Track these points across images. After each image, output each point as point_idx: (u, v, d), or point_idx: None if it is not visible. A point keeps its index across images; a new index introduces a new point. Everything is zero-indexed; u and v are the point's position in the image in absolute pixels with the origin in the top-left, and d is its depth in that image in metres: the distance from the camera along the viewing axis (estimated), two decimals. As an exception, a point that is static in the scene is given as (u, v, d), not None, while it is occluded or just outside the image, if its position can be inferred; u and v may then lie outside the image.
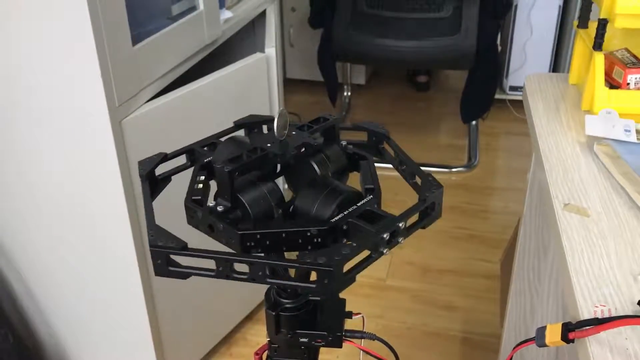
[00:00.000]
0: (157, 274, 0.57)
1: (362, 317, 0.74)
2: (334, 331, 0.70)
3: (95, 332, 1.45)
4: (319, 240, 0.56)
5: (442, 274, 1.96)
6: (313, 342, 0.70)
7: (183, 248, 0.55)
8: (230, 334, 1.70)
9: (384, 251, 0.55)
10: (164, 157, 0.69)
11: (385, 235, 0.55)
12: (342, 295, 0.74)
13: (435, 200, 0.62)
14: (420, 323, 1.77)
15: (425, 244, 2.07)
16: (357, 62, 2.91)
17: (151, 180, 0.67)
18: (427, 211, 0.61)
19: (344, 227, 0.57)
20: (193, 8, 1.31)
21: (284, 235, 0.57)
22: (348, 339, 0.72)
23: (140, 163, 0.67)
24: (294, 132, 0.66)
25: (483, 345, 1.69)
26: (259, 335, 1.72)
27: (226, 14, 1.42)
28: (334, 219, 0.58)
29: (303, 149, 0.64)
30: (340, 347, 0.71)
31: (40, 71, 1.10)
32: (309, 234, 0.56)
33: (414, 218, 0.60)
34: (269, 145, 0.63)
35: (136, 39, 1.13)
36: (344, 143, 0.70)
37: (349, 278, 0.53)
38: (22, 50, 1.09)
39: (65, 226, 1.29)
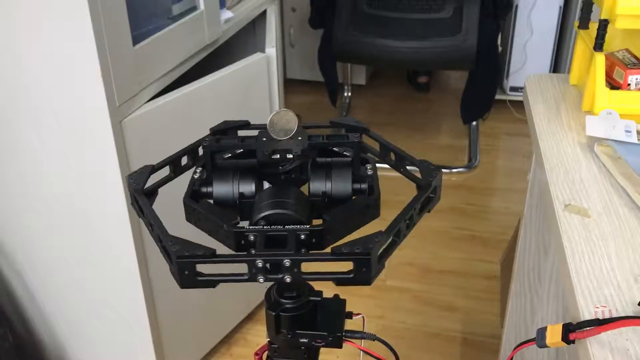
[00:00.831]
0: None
1: (363, 317, 0.74)
2: (334, 331, 0.70)
3: (95, 332, 1.45)
4: (227, 238, 0.57)
5: (443, 274, 1.96)
6: (313, 343, 0.70)
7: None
8: (230, 334, 1.70)
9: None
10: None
11: (258, 262, 0.55)
12: (342, 295, 0.74)
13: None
14: (420, 324, 1.77)
15: (426, 245, 2.07)
16: (357, 63, 2.91)
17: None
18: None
19: (250, 237, 0.57)
20: (193, 8, 1.31)
21: (207, 220, 0.59)
22: (348, 339, 0.72)
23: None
24: (300, 138, 0.65)
25: (483, 345, 1.69)
26: (259, 335, 1.72)
27: (227, 14, 1.42)
28: (244, 227, 0.58)
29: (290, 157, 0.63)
30: (341, 347, 0.71)
31: (41, 71, 1.10)
32: (222, 228, 0.57)
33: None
34: (264, 140, 0.64)
35: (137, 39, 1.13)
36: (370, 171, 0.66)
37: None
38: (23, 50, 1.09)
39: (65, 226, 1.29)
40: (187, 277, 0.55)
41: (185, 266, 0.54)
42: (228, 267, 0.54)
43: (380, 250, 0.56)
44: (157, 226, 0.58)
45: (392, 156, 0.71)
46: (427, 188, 0.63)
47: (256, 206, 0.61)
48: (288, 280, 0.55)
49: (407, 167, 0.69)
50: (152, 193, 0.65)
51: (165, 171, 0.70)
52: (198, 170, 0.66)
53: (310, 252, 0.56)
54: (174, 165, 0.70)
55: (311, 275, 0.56)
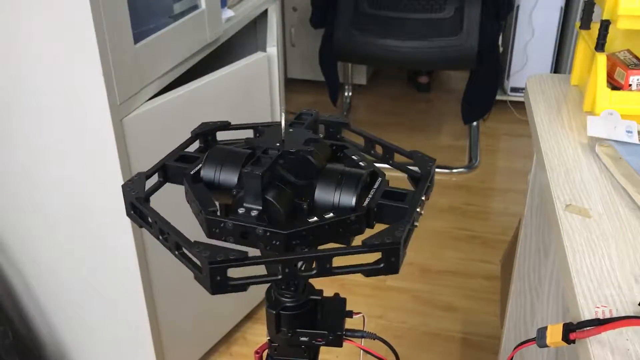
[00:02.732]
0: (217, 292, 0.54)
1: (363, 316, 0.74)
2: (334, 330, 0.70)
3: (95, 331, 1.45)
4: (358, 226, 0.58)
5: (443, 274, 1.96)
6: (313, 341, 0.70)
7: (245, 257, 0.54)
8: (230, 333, 1.70)
9: (416, 224, 0.59)
10: (147, 175, 0.67)
11: (419, 209, 0.58)
12: (341, 295, 0.74)
13: (433, 172, 0.66)
14: (420, 323, 1.77)
15: (426, 245, 2.07)
16: (358, 62, 2.91)
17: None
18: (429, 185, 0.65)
19: (375, 209, 0.59)
20: (195, 7, 1.31)
21: (326, 227, 0.57)
22: (348, 338, 0.72)
23: (127, 186, 0.63)
24: (291, 130, 0.66)
25: (483, 346, 1.69)
26: (258, 334, 1.72)
27: (228, 13, 1.42)
28: (365, 204, 0.59)
29: (309, 145, 0.63)
30: (341, 346, 0.71)
31: (42, 69, 1.10)
32: (349, 221, 0.58)
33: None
34: (277, 144, 0.63)
35: (138, 38, 1.13)
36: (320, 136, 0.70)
37: (404, 253, 0.57)
38: (24, 49, 1.09)
39: (66, 224, 1.29)
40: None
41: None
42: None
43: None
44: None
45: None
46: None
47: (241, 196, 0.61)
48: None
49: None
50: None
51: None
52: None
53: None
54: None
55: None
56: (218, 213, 0.60)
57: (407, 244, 0.58)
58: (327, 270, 0.55)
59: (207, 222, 0.58)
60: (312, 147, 0.63)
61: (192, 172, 0.65)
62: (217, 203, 0.62)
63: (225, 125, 0.74)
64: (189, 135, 0.74)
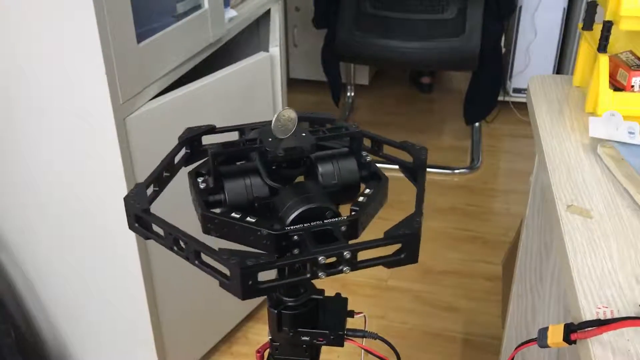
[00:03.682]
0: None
1: (364, 316, 0.74)
2: (335, 330, 0.70)
3: (97, 329, 1.46)
4: (267, 243, 0.57)
5: (444, 275, 1.96)
6: (315, 341, 0.71)
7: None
8: (231, 333, 1.70)
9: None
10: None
11: (321, 259, 0.56)
12: (343, 294, 0.75)
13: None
14: (421, 324, 1.77)
15: (427, 245, 2.07)
16: (360, 63, 2.91)
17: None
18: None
19: (294, 237, 0.58)
20: (198, 6, 1.31)
21: (236, 227, 0.58)
22: (350, 338, 0.72)
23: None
24: (303, 134, 0.66)
25: (484, 346, 1.69)
26: (260, 334, 1.72)
27: (231, 13, 1.43)
28: (287, 227, 0.58)
29: (294, 152, 0.63)
30: (342, 346, 0.71)
31: (45, 68, 1.10)
32: (259, 233, 0.57)
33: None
34: (269, 140, 0.64)
35: (141, 37, 1.14)
36: (367, 157, 0.69)
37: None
38: (27, 48, 1.09)
39: (68, 223, 1.29)
40: (252, 286, 0.54)
41: (249, 276, 0.54)
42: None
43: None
44: (194, 242, 0.56)
45: (369, 143, 0.73)
46: (425, 166, 0.66)
47: (280, 207, 0.61)
48: (347, 271, 0.56)
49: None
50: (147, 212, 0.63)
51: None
52: (200, 180, 0.65)
53: (362, 241, 0.58)
54: (158, 180, 0.67)
55: (364, 263, 0.57)
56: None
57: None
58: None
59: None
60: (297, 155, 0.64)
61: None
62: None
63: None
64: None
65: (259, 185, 0.63)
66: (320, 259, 0.55)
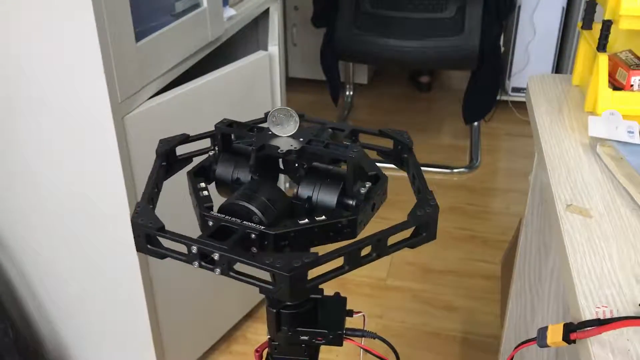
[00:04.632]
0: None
1: (363, 315, 0.74)
2: (334, 329, 0.70)
3: (95, 329, 1.45)
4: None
5: (443, 274, 1.96)
6: (314, 340, 0.70)
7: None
8: (230, 332, 1.70)
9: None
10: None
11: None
12: (342, 294, 0.74)
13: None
14: (420, 323, 1.77)
15: (426, 245, 2.06)
16: (359, 62, 2.91)
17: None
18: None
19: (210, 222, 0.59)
20: (196, 5, 1.31)
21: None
22: (349, 337, 0.72)
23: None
24: (301, 139, 0.65)
25: (483, 345, 1.69)
26: (258, 333, 1.72)
27: (229, 12, 1.42)
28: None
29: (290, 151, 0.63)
30: (341, 345, 0.71)
31: (44, 67, 1.10)
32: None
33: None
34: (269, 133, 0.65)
35: (139, 36, 1.13)
36: (362, 189, 0.66)
37: None
38: (26, 46, 1.09)
39: (67, 222, 1.29)
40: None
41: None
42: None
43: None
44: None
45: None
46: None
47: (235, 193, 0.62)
48: (217, 273, 0.55)
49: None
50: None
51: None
52: (211, 153, 0.69)
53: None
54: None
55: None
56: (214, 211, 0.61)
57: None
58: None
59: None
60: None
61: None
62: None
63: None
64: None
65: (245, 172, 0.65)
66: (193, 247, 0.54)
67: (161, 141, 0.72)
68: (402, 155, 0.72)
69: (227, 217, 0.58)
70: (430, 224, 0.60)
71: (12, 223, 1.35)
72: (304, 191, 0.62)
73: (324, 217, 0.59)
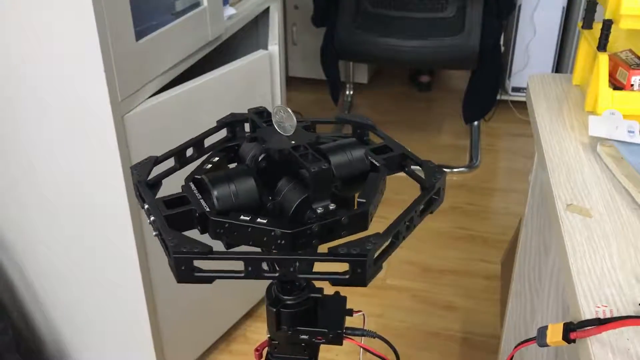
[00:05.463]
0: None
1: (363, 315, 0.74)
2: (334, 328, 0.70)
3: (95, 327, 1.45)
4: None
5: (442, 274, 1.96)
6: (313, 339, 0.70)
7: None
8: (229, 331, 1.70)
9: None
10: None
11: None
12: (341, 293, 0.74)
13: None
14: (419, 323, 1.77)
15: (426, 244, 2.07)
16: (360, 61, 2.91)
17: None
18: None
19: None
20: (197, 4, 1.31)
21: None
22: (348, 336, 0.72)
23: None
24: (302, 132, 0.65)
25: (482, 345, 1.69)
26: (258, 332, 1.72)
27: (230, 11, 1.42)
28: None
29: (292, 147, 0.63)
30: (341, 344, 0.71)
31: (44, 65, 1.10)
32: (272, 233, 0.55)
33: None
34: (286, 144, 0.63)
35: (140, 35, 1.13)
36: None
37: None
38: (26, 46, 1.09)
39: (67, 221, 1.29)
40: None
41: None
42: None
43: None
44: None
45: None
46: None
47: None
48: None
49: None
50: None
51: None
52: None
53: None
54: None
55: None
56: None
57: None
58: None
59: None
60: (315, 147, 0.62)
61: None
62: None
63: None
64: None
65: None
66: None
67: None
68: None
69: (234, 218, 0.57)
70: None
71: (12, 223, 1.35)
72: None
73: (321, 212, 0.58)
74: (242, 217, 0.57)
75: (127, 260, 1.27)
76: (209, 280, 0.55)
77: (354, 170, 0.63)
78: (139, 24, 1.13)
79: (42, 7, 1.04)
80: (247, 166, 0.64)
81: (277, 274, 0.55)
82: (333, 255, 0.54)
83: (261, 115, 0.70)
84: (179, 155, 0.70)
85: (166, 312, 1.40)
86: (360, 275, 0.54)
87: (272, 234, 0.55)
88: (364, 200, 0.58)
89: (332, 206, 0.58)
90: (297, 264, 0.55)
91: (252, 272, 0.55)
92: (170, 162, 0.70)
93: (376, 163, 0.65)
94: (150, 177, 0.65)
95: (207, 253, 0.54)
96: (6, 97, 1.17)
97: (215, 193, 0.58)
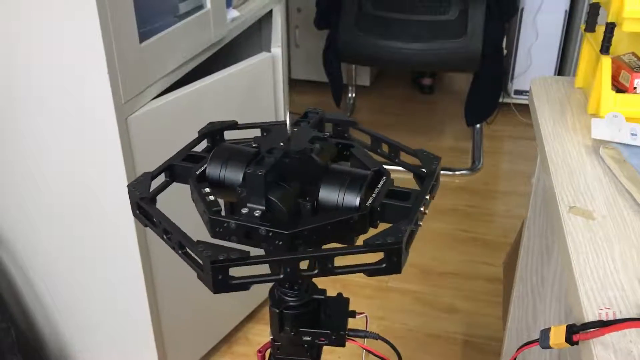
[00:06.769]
0: (219, 290, 0.54)
1: (366, 316, 0.74)
2: (337, 330, 0.70)
3: (97, 329, 1.46)
4: (361, 226, 0.58)
5: (444, 276, 1.95)
6: (316, 341, 0.70)
7: (247, 257, 0.54)
8: (231, 333, 1.70)
9: (420, 224, 0.60)
10: (152, 176, 0.67)
11: (423, 208, 0.59)
12: (344, 294, 0.75)
13: (438, 171, 0.66)
14: (421, 325, 1.77)
15: (428, 247, 2.07)
16: (362, 64, 2.91)
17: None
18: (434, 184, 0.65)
19: (378, 208, 0.59)
20: (200, 7, 1.31)
21: (329, 227, 0.57)
22: (351, 338, 0.72)
23: (132, 186, 0.63)
24: (296, 129, 0.67)
25: (484, 348, 1.69)
26: (260, 334, 1.72)
27: (233, 13, 1.43)
28: (369, 203, 0.59)
29: (315, 143, 0.64)
30: (344, 346, 0.71)
31: (47, 67, 1.10)
32: (352, 221, 0.57)
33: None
34: (282, 144, 0.63)
35: (143, 37, 1.14)
36: (327, 134, 0.70)
37: (407, 253, 0.57)
38: (30, 47, 1.09)
39: (69, 222, 1.29)
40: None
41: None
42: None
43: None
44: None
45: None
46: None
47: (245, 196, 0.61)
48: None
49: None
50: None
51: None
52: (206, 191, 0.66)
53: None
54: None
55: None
56: (223, 213, 0.60)
57: (410, 244, 0.58)
58: (328, 270, 0.55)
59: (210, 221, 0.58)
60: (317, 146, 0.63)
61: (197, 172, 0.65)
62: (221, 202, 0.62)
63: (233, 125, 0.74)
64: (194, 135, 0.74)
65: (235, 171, 0.64)
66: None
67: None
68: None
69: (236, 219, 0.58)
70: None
71: (14, 223, 1.35)
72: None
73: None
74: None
75: (129, 262, 1.27)
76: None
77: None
78: (143, 26, 1.13)
79: (45, 9, 1.04)
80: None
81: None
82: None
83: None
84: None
85: (168, 314, 1.40)
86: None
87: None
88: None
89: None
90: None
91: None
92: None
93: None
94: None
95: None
96: (9, 99, 1.17)
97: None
